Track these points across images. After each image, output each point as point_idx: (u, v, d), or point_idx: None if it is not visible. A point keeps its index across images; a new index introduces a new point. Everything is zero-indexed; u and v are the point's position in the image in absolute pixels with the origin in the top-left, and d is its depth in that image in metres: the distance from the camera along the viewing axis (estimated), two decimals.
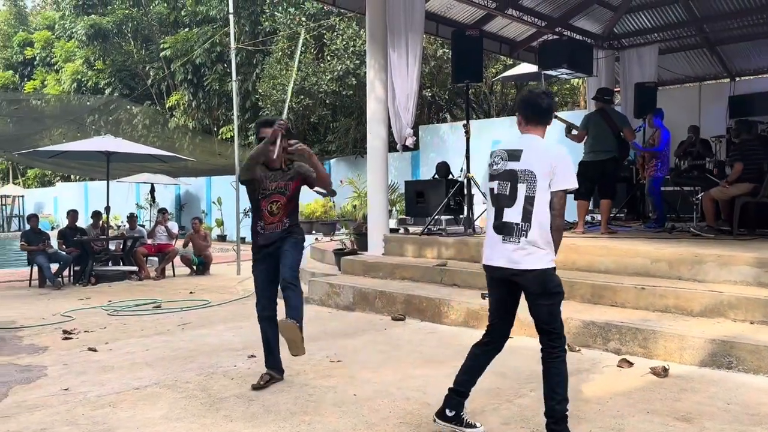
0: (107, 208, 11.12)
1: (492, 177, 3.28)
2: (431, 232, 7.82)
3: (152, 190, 22.69)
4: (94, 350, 5.50)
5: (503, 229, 3.21)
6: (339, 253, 7.93)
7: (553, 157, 3.14)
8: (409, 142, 7.91)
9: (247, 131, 20.86)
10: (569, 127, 7.83)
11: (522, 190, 3.14)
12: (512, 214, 3.18)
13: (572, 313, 5.18)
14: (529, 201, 3.13)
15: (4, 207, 33.20)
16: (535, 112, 3.26)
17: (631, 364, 4.47)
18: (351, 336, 5.73)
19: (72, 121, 21.40)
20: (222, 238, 21.10)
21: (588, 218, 10.74)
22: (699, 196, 7.51)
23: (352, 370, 4.61)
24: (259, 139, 4.21)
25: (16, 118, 20.97)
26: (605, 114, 7.85)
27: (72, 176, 31.09)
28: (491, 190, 3.28)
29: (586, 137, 7.67)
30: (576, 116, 14.75)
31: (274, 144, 4.10)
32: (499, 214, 3.23)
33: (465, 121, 7.82)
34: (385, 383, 4.29)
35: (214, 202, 21.85)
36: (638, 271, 5.70)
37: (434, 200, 7.70)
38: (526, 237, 3.16)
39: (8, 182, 35.26)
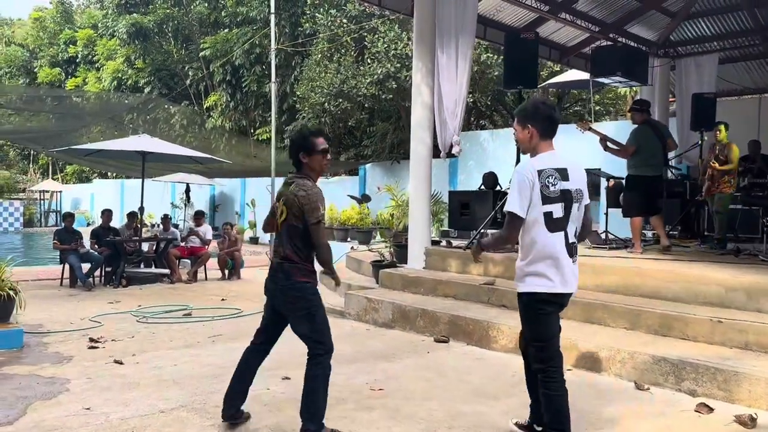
0: (141, 209, 10.93)
1: (550, 199, 3.10)
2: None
3: (187, 190, 22.65)
4: (120, 363, 5.19)
5: (572, 250, 3.21)
6: (377, 265, 7.52)
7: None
8: (456, 150, 7.48)
9: (283, 133, 20.67)
10: (605, 139, 7.32)
11: (575, 209, 3.16)
12: (572, 234, 3.20)
13: (639, 345, 4.70)
14: (579, 219, 3.22)
15: (42, 202, 33.69)
16: (554, 124, 3.21)
17: (711, 409, 3.96)
18: (391, 359, 5.31)
19: (110, 119, 21.53)
20: (254, 240, 20.91)
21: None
22: None
23: (395, 401, 4.19)
24: (319, 152, 3.55)
25: (59, 115, 21.18)
26: (654, 126, 7.38)
27: (109, 173, 31.42)
28: (549, 213, 3.10)
29: (635, 151, 7.12)
30: (621, 127, 14.17)
31: None
32: (566, 236, 3.16)
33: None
34: (433, 420, 3.86)
35: (247, 204, 21.70)
36: (711, 300, 5.17)
37: (480, 212, 7.26)
38: (577, 255, 3.28)
39: (48, 177, 35.80)
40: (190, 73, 25.33)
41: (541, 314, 3.23)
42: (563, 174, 3.12)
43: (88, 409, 4.05)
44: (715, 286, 5.18)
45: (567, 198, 3.11)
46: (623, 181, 11.07)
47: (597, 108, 21.14)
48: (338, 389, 4.27)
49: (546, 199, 3.08)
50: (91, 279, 9.91)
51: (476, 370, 4.95)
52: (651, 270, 5.66)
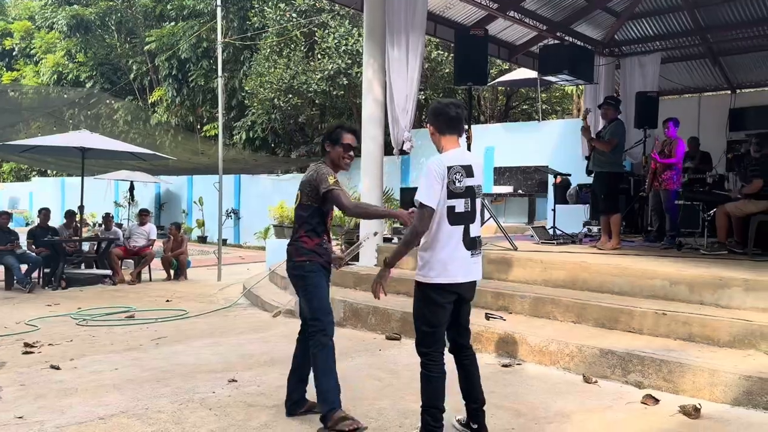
0: (81, 207, 10.51)
1: (455, 195, 3.21)
2: None
3: (131, 188, 21.93)
4: (57, 368, 4.95)
5: (473, 244, 3.31)
6: None
7: (482, 169, 3.43)
8: (407, 146, 7.44)
9: (231, 130, 20.27)
10: (589, 137, 7.40)
11: (478, 204, 3.35)
12: (475, 229, 3.32)
13: (586, 339, 4.75)
14: (482, 213, 3.55)
15: None
16: (452, 122, 3.30)
17: (657, 400, 4.02)
18: (342, 358, 5.15)
19: (50, 115, 20.67)
20: (203, 239, 20.47)
21: (585, 230, 10.37)
22: (711, 212, 7.12)
23: (346, 402, 4.08)
24: (342, 145, 3.77)
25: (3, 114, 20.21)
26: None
27: (49, 171, 30.24)
28: (452, 208, 3.21)
29: (615, 147, 7.18)
30: (567, 125, 14.44)
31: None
32: (467, 231, 3.27)
33: (466, 126, 7.34)
34: (384, 419, 3.80)
35: (195, 202, 21.22)
36: (656, 293, 5.28)
37: None
38: (481, 247, 3.41)
39: None
40: (134, 67, 24.58)
41: (434, 302, 3.28)
42: (468, 170, 3.25)
43: (20, 417, 3.84)
44: (659, 280, 5.29)
45: (470, 194, 3.25)
46: (569, 178, 11.30)
47: (545, 107, 21.52)
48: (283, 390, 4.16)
49: (451, 194, 3.20)
50: (30, 280, 9.47)
51: None
52: (597, 265, 5.74)
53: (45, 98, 23.05)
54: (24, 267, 9.58)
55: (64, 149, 10.55)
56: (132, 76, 24.57)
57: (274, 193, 17.39)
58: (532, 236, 8.44)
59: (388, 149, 8.13)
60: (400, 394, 4.27)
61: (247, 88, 17.17)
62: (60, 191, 27.68)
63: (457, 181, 3.19)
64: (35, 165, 28.34)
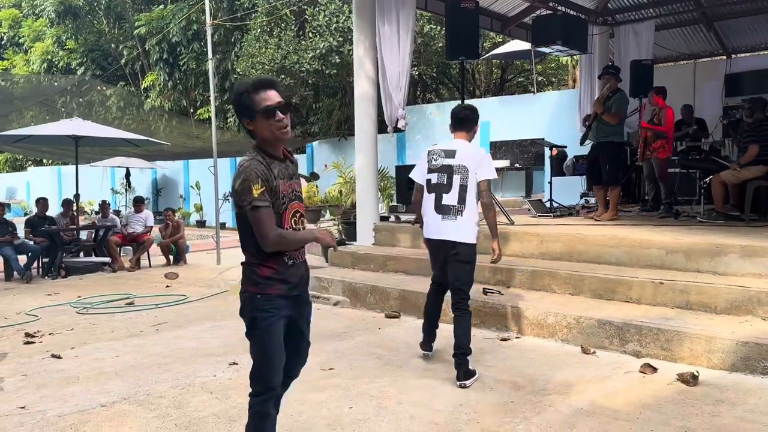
0: (77, 195, 10.48)
1: (431, 170, 4.22)
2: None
3: (127, 175, 21.92)
4: (59, 357, 4.96)
5: (442, 209, 4.14)
6: None
7: (479, 155, 4.18)
8: (401, 123, 7.39)
9: (225, 112, 20.14)
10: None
11: (456, 179, 4.10)
12: (449, 198, 4.12)
13: (583, 310, 4.77)
14: (463, 189, 4.09)
15: None
16: (458, 122, 4.29)
17: (654, 369, 4.04)
18: (342, 337, 5.24)
19: (42, 104, 20.53)
20: (201, 223, 20.46)
21: (582, 201, 10.37)
22: (707, 179, 7.10)
23: (346, 381, 4.13)
24: (263, 112, 2.52)
25: None
26: None
27: (44, 161, 30.11)
28: (429, 180, 4.23)
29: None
30: (563, 95, 14.36)
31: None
32: (438, 198, 4.15)
33: (460, 101, 7.30)
34: (385, 397, 3.82)
35: (192, 187, 21.16)
36: (653, 263, 5.28)
37: None
38: (461, 215, 4.10)
39: None
40: (124, 52, 24.35)
41: (428, 252, 4.47)
42: (449, 153, 4.17)
43: (23, 407, 3.85)
44: (656, 249, 5.29)
45: (446, 170, 4.13)
46: (565, 150, 11.25)
47: (540, 78, 21.37)
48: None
49: (429, 170, 4.23)
50: (29, 271, 9.48)
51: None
52: (594, 236, 5.74)
53: (36, 87, 22.87)
54: (23, 257, 9.59)
55: (58, 138, 10.48)
56: (123, 61, 24.35)
57: None
58: (529, 210, 8.43)
59: (382, 127, 8.09)
60: (399, 372, 4.29)
61: (238, 70, 17.01)
62: (57, 180, 27.59)
63: (433, 161, 4.21)
64: (30, 155, 28.21)
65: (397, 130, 7.59)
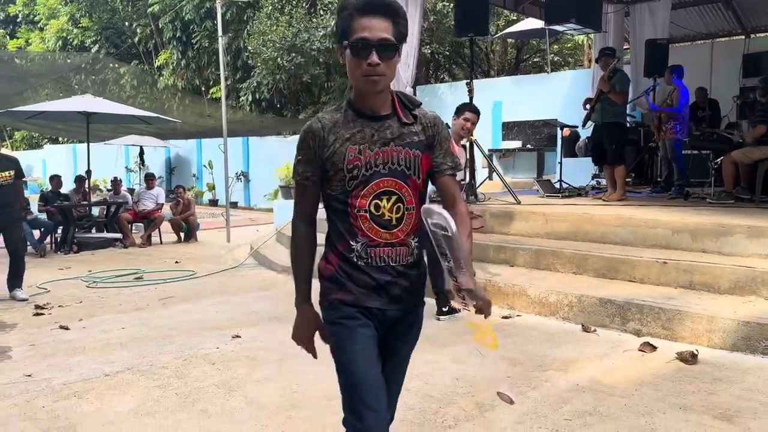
0: (88, 172, 10.58)
1: None
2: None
3: (141, 153, 22.08)
4: (66, 328, 5.05)
5: None
6: None
7: None
8: None
9: (238, 91, 20.13)
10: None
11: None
12: None
13: (586, 289, 4.76)
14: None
15: None
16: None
17: (654, 348, 4.04)
18: None
19: (56, 81, 20.65)
20: (213, 202, 20.55)
21: (593, 182, 10.29)
22: (718, 160, 7.01)
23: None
24: (351, 44, 1.78)
25: (3, 78, 20.21)
26: None
27: (60, 139, 30.38)
28: None
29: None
30: (578, 76, 14.18)
31: None
32: None
33: (468, 80, 7.24)
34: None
35: (204, 166, 21.24)
36: (658, 243, 5.25)
37: None
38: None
39: None
40: (138, 30, 24.36)
41: None
42: None
43: (29, 375, 3.94)
44: (661, 229, 5.25)
45: None
46: (578, 131, 11.14)
47: (556, 58, 21.12)
48: (284, 345, 4.23)
49: None
50: (42, 244, 9.63)
51: (426, 321, 4.95)
52: (600, 216, 5.70)
53: (51, 64, 23.00)
54: (37, 233, 9.73)
55: (69, 114, 10.55)
56: (136, 39, 24.37)
57: (282, 155, 17.35)
58: (537, 190, 8.39)
59: None
60: None
61: (249, 48, 16.96)
62: (72, 158, 27.84)
63: None
64: (45, 132, 28.50)
65: None
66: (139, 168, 22.99)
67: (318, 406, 3.30)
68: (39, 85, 20.29)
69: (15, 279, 6.26)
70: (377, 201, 1.81)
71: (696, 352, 3.84)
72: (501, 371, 3.78)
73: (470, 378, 3.67)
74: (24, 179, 6.88)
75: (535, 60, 22.23)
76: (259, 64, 16.36)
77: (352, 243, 1.81)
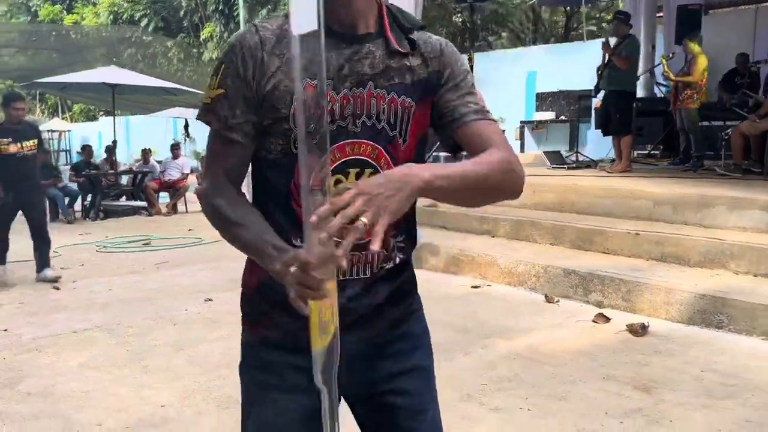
0: (114, 142, 10.99)
1: None
2: None
3: (186, 125, 22.69)
4: (57, 289, 5.36)
5: None
6: None
7: None
8: None
9: None
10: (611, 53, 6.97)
11: None
12: None
13: (555, 259, 4.70)
14: None
15: (51, 141, 33.94)
16: None
17: (608, 319, 3.97)
18: None
19: (105, 56, 21.35)
20: None
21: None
22: (728, 131, 6.69)
23: None
24: None
25: (61, 53, 21.06)
26: None
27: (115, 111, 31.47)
28: None
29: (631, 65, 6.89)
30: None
31: None
32: None
33: (468, 50, 7.10)
34: None
35: None
36: (640, 214, 5.10)
37: (433, 136, 7.09)
38: None
39: (56, 116, 36.00)
40: (183, 3, 24.84)
41: None
42: None
43: (5, 330, 4.21)
44: (644, 200, 5.10)
45: None
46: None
47: (603, 25, 20.35)
48: None
49: None
50: (71, 209, 10.12)
51: None
52: (586, 186, 5.58)
53: (103, 39, 23.80)
54: (68, 199, 10.23)
55: (96, 86, 10.95)
56: (182, 13, 24.86)
57: None
58: (544, 162, 8.22)
59: None
60: None
61: None
62: (125, 130, 28.85)
63: None
64: (101, 105, 29.57)
65: None
66: (185, 139, 23.67)
67: None
68: (93, 59, 21.06)
69: (44, 255, 5.81)
70: (340, 176, 1.09)
71: (646, 324, 3.76)
72: (446, 338, 3.79)
73: None
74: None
75: (590, 28, 21.48)
76: None
77: (294, 241, 1.08)
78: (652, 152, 9.87)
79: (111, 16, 27.42)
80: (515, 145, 14.23)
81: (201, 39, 24.73)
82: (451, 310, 4.35)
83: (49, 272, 5.65)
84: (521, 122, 14.18)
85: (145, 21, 26.29)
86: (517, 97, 14.83)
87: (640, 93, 10.87)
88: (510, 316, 4.20)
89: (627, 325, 3.79)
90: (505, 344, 3.66)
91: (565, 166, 7.64)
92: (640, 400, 2.87)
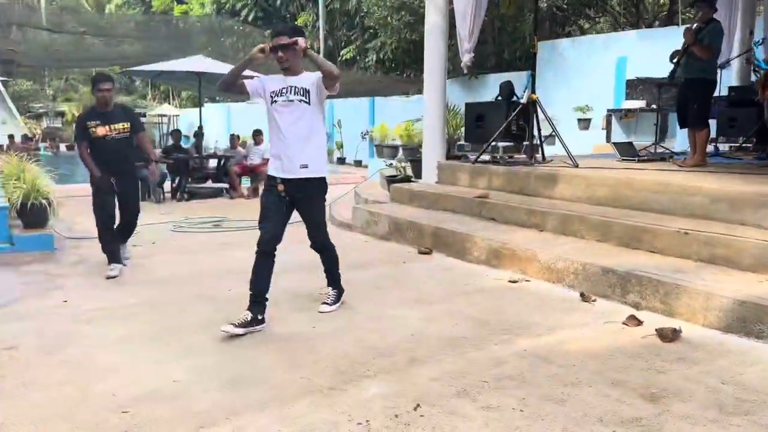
0: (200, 127, 11.57)
1: None
2: (488, 161, 7.16)
3: None
4: (124, 265, 5.73)
5: None
6: (390, 180, 7.56)
7: None
8: (466, 59, 7.14)
9: (366, 51, 20.53)
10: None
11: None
12: None
13: (596, 257, 4.51)
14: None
15: (160, 126, 36.18)
16: None
17: (640, 322, 3.77)
18: (365, 268, 5.45)
19: (206, 45, 22.43)
20: (341, 160, 21.36)
21: (710, 148, 9.35)
22: None
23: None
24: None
25: (173, 43, 22.39)
26: None
27: (217, 98, 33.02)
28: None
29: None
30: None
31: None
32: None
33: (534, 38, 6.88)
34: (351, 321, 4.01)
35: (334, 125, 22.08)
36: (695, 212, 4.78)
37: (495, 124, 6.98)
38: None
39: (166, 102, 38.31)
40: None
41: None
42: None
43: (65, 301, 4.60)
44: (700, 197, 4.77)
45: None
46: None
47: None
48: (282, 292, 4.52)
49: None
50: (160, 188, 10.79)
51: (435, 279, 4.98)
52: (643, 181, 5.28)
53: (207, 28, 25.03)
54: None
55: (185, 74, 11.55)
56: (279, 2, 25.61)
57: (404, 114, 17.53)
58: (614, 154, 7.84)
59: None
60: (383, 301, 4.43)
61: (364, 8, 17.19)
62: (226, 116, 30.27)
63: None
64: (206, 93, 31.15)
65: (469, 69, 7.35)
66: None
67: (269, 350, 3.56)
68: (200, 49, 22.23)
69: (124, 236, 5.80)
70: None
71: (678, 329, 3.55)
72: (463, 331, 3.77)
73: (425, 335, 3.71)
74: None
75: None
76: (372, 23, 16.54)
77: None
78: (743, 145, 9.19)
79: (215, 7, 28.70)
80: (601, 135, 13.61)
81: None
82: (478, 303, 4.31)
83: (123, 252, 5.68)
84: (608, 111, 13.55)
85: (245, 11, 27.32)
86: (606, 85, 14.18)
87: (733, 82, 10.15)
88: (537, 313, 4.09)
89: (656, 330, 3.59)
90: (522, 341, 3.57)
91: (635, 158, 7.25)
92: (641, 410, 2.73)
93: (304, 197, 3.99)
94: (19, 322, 4.11)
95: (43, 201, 6.53)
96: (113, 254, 5.47)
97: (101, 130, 5.39)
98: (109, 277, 5.25)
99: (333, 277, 4.33)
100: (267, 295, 3.98)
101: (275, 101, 3.90)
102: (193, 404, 2.88)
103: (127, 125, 5.50)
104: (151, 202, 10.45)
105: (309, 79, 3.88)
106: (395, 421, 2.66)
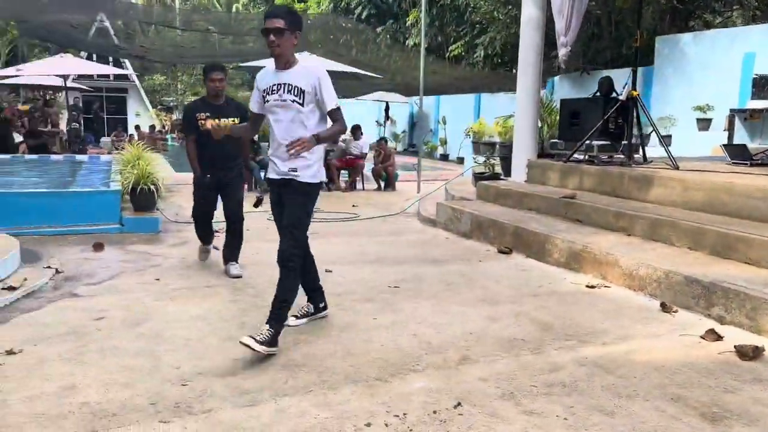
0: None
1: None
2: (581, 160, 6.87)
3: (386, 108, 23.81)
4: (216, 248, 6.06)
5: None
6: (478, 177, 7.45)
7: None
8: (562, 53, 6.88)
9: (474, 47, 20.31)
10: None
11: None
12: None
13: (682, 265, 4.24)
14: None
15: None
16: None
17: (719, 337, 3.50)
18: (440, 264, 5.44)
19: (318, 42, 23.17)
20: (444, 157, 21.31)
21: None
22: None
23: (396, 298, 4.41)
24: None
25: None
26: None
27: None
28: None
29: None
30: None
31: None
32: None
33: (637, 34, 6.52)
34: (414, 314, 4.03)
35: (438, 122, 22.07)
36: None
37: (591, 122, 6.68)
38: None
39: None
40: None
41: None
42: None
43: (157, 279, 4.95)
44: None
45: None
46: None
47: None
48: (356, 283, 4.62)
49: None
50: (263, 182, 11.30)
51: (508, 280, 4.87)
52: (742, 186, 4.86)
53: (325, 27, 25.86)
54: (264, 172, 11.44)
55: None
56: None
57: (509, 111, 17.17)
58: (725, 156, 7.27)
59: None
60: (450, 297, 4.40)
61: (471, 3, 16.97)
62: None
63: None
64: None
65: (565, 62, 7.10)
66: (385, 122, 24.86)
67: (321, 341, 3.66)
68: (315, 45, 23.07)
69: (233, 250, 5.39)
70: None
71: (761, 347, 3.27)
72: (524, 334, 3.68)
73: (483, 334, 3.65)
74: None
75: None
76: (478, 18, 16.31)
77: None
78: None
79: (331, 5, 29.55)
80: (722, 136, 12.64)
81: (407, 25, 25.58)
82: (547, 306, 4.18)
83: (232, 269, 5.19)
84: (731, 110, 12.56)
85: (359, 9, 27.90)
86: (730, 83, 13.16)
87: None
88: (610, 320, 3.90)
89: (736, 346, 3.32)
90: (585, 349, 3.43)
91: (748, 162, 6.69)
92: (696, 429, 2.55)
93: (287, 197, 3.74)
94: (112, 295, 4.47)
95: (151, 186, 7.03)
96: (205, 238, 5.72)
97: (208, 124, 4.89)
98: (233, 276, 5.10)
99: (275, 306, 3.65)
100: (319, 284, 4.11)
101: (267, 101, 3.57)
102: (246, 382, 3.03)
103: (237, 120, 5.17)
104: (255, 192, 10.96)
105: (305, 77, 3.47)
106: (432, 417, 2.65)
